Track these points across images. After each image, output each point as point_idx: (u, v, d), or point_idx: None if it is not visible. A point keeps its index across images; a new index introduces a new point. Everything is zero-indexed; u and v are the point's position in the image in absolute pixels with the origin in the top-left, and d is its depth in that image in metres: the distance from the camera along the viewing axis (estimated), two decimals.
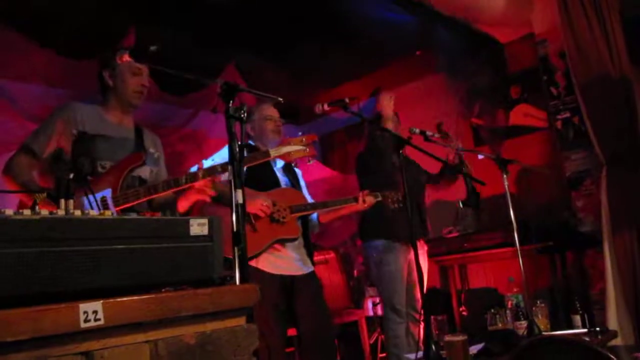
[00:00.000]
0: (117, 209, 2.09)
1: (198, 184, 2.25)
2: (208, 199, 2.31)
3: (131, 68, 2.40)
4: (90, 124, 2.34)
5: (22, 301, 1.00)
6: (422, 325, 3.45)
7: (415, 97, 5.43)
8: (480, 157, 3.46)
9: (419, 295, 3.51)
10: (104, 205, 2.01)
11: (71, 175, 1.48)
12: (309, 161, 2.93)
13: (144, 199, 2.19)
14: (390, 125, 3.66)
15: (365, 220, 3.71)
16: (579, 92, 4.02)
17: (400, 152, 2.80)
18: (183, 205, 2.40)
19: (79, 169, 1.83)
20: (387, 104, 3.78)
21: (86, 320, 1.04)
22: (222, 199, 2.72)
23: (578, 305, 3.19)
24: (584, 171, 4.20)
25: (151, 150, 2.55)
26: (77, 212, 1.11)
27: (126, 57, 2.07)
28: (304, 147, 2.22)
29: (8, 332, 0.95)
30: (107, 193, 2.05)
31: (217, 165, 2.25)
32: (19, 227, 1.02)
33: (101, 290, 1.11)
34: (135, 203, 2.16)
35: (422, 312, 2.83)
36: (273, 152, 2.25)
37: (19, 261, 1.01)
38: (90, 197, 1.79)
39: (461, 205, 3.39)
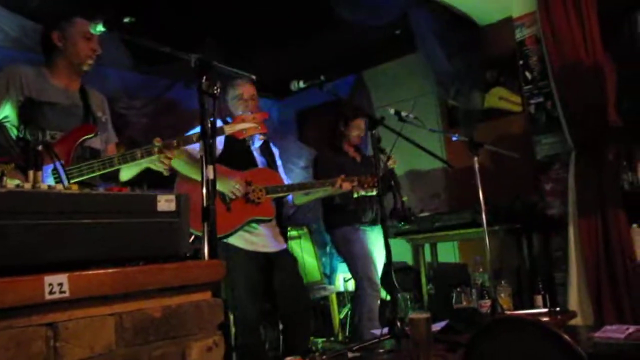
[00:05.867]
0: (71, 183, 2.04)
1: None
2: (165, 172, 2.29)
3: (83, 32, 2.31)
4: (36, 89, 2.24)
5: None
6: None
7: (393, 77, 5.45)
8: (454, 138, 3.50)
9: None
10: (56, 179, 1.97)
11: (40, 147, 1.47)
12: (260, 138, 3.08)
13: (99, 173, 2.14)
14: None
15: (329, 211, 3.78)
16: (552, 77, 4.07)
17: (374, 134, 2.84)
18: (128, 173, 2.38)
19: (29, 139, 1.76)
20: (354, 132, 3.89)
21: (51, 292, 1.06)
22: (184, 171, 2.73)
23: (541, 285, 3.29)
24: (553, 156, 4.28)
25: (99, 114, 2.47)
26: (44, 186, 1.12)
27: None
28: (256, 125, 2.30)
29: None
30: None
31: (193, 135, 2.26)
32: None
33: (68, 264, 1.13)
34: (89, 177, 2.11)
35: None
36: (227, 129, 2.29)
37: None
38: (60, 169, 1.77)
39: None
